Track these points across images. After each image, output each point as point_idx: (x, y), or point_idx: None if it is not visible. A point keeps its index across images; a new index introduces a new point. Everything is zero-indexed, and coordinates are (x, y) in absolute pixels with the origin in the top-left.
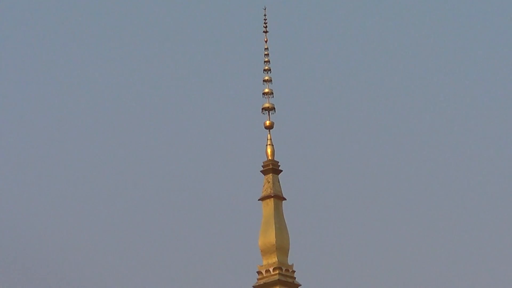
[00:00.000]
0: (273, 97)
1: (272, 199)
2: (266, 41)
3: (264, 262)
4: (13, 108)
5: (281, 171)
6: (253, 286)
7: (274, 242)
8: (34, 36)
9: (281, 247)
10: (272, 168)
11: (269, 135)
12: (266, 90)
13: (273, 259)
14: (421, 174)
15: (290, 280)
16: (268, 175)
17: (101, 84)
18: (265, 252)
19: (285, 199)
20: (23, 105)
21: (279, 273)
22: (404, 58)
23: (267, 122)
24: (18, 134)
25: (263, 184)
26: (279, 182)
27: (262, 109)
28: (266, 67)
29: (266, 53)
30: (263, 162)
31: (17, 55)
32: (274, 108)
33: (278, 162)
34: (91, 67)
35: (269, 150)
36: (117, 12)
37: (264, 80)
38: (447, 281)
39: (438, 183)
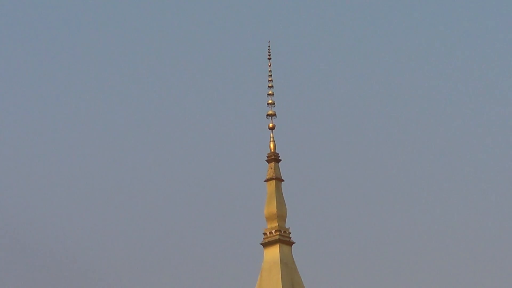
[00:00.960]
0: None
1: (274, 180)
2: (270, 67)
3: (268, 226)
4: (13, 108)
5: (281, 160)
6: (260, 243)
7: (275, 211)
8: (34, 36)
9: (281, 215)
10: (274, 158)
11: (271, 134)
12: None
13: (275, 224)
14: (416, 173)
15: (287, 239)
16: (271, 163)
17: (119, 90)
18: (269, 219)
19: (283, 181)
20: (24, 105)
21: (279, 234)
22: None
23: (270, 125)
24: (18, 134)
25: (267, 170)
26: (279, 168)
27: (267, 115)
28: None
29: (270, 79)
30: (267, 154)
31: (17, 55)
32: (275, 114)
33: (279, 154)
34: (105, 69)
35: (271, 145)
36: (136, 37)
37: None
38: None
39: (432, 182)
